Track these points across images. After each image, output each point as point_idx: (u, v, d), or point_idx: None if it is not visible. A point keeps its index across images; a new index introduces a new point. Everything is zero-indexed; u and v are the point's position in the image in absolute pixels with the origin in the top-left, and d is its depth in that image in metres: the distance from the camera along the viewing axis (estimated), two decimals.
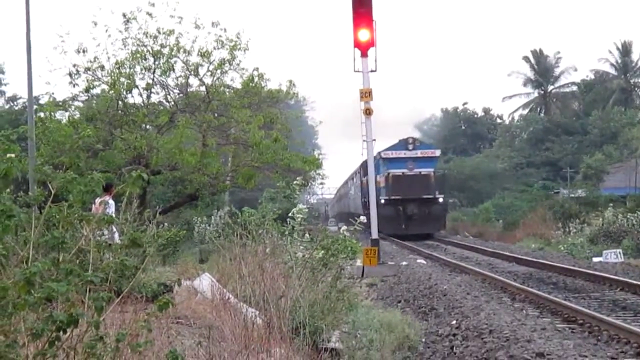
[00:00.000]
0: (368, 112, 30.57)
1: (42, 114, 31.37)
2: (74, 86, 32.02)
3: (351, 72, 30.82)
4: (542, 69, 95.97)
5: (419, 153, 46.84)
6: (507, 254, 35.90)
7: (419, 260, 32.45)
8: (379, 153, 46.43)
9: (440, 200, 46.18)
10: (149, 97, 32.71)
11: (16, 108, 61.61)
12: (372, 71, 30.06)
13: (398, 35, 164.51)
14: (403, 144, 47.33)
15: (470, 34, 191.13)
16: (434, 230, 46.47)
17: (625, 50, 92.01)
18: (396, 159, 46.21)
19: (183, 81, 32.48)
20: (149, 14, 30.65)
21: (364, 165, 45.49)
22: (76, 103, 32.93)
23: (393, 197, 44.74)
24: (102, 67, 31.43)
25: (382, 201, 44.55)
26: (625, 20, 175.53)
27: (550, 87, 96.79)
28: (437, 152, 52.95)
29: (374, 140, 33.17)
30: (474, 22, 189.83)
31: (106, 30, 30.97)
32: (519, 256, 34.21)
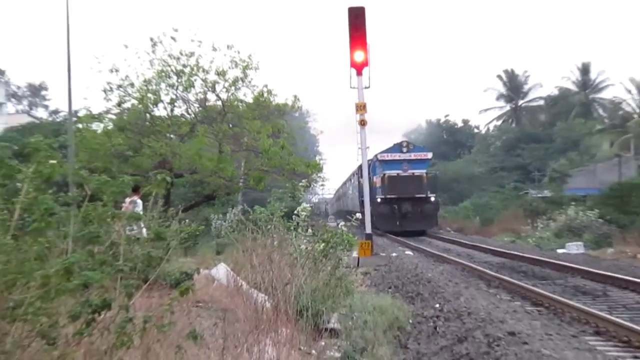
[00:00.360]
0: (362, 123, 30.59)
1: (80, 125, 31.62)
2: (107, 101, 32.18)
3: (348, 88, 30.97)
4: (513, 85, 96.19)
5: (412, 155, 45.57)
6: (484, 246, 35.88)
7: (407, 252, 32.39)
8: (376, 155, 46.34)
9: (432, 199, 45.02)
10: (172, 110, 32.80)
11: (58, 120, 61.62)
12: (366, 87, 30.09)
13: (392, 53, 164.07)
14: (398, 147, 46.29)
15: (453, 55, 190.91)
16: (426, 227, 45.29)
17: (585, 70, 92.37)
18: (391, 161, 45.01)
19: (202, 96, 32.57)
20: (173, 38, 30.85)
21: (360, 169, 43.01)
22: (109, 115, 32.96)
23: (389, 196, 43.68)
24: (132, 85, 31.61)
25: (379, 200, 44.38)
26: (584, 43, 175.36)
27: (520, 102, 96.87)
28: (429, 155, 50.76)
29: (368, 147, 33.28)
30: (456, 45, 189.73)
31: (136, 52, 31.20)
32: (494, 248, 34.19)
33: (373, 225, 40.67)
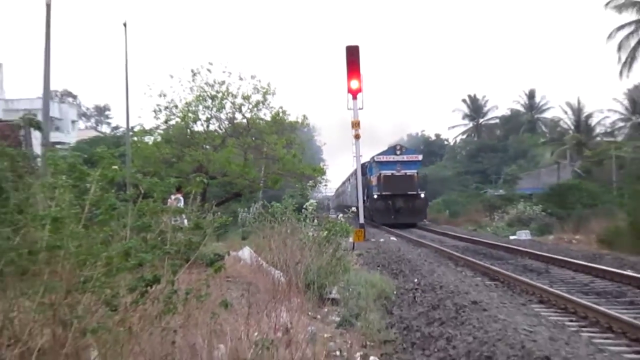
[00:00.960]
0: (357, 137, 30.59)
1: (135, 138, 31.75)
2: (156, 119, 32.39)
3: (346, 109, 31.02)
4: (475, 107, 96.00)
5: (405, 157, 43.63)
6: (452, 233, 35.84)
7: (392, 238, 32.32)
8: (373, 157, 45.41)
9: (422, 195, 43.11)
10: (208, 126, 32.90)
11: (118, 134, 61.64)
12: (360, 109, 30.10)
13: (382, 79, 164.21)
14: (392, 150, 44.53)
15: (429, 83, 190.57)
16: (417, 220, 43.09)
17: (531, 95, 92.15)
18: (387, 162, 43.18)
19: (231, 116, 32.67)
20: (209, 70, 31.12)
21: (351, 175, 44.15)
22: (158, 130, 33.10)
23: (384, 193, 41.90)
24: (176, 106, 31.80)
25: (375, 196, 42.73)
26: (531, 73, 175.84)
27: (480, 120, 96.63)
28: (420, 157, 49.06)
29: (361, 155, 33.43)
30: (432, 76, 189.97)
31: (179, 81, 31.45)
32: (460, 235, 34.18)
33: (370, 219, 42.37)
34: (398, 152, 43.46)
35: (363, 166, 44.89)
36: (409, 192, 41.72)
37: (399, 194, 41.58)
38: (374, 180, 43.82)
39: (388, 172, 42.29)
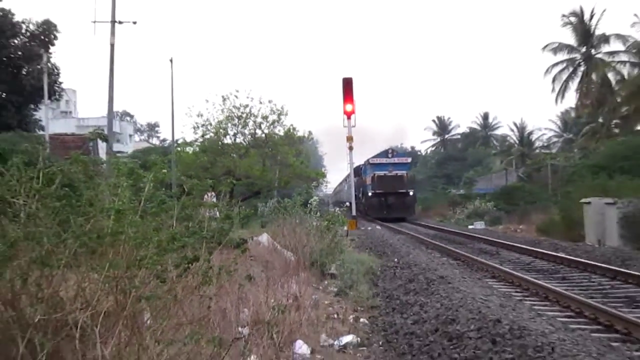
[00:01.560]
0: (350, 148, 30.52)
1: (178, 149, 32.17)
2: (195, 134, 33.01)
3: (342, 127, 31.00)
4: (442, 126, 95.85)
5: (395, 160, 40.84)
6: (424, 224, 35.84)
7: (377, 227, 32.25)
8: (368, 160, 42.80)
9: (411, 193, 40.31)
10: (235, 139, 33.18)
11: (165, 145, 61.65)
12: (352, 126, 29.98)
13: (371, 99, 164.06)
14: (385, 153, 41.46)
15: (406, 107, 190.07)
16: (406, 215, 39.66)
17: (485, 116, 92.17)
18: (380, 164, 40.05)
19: (252, 131, 33.01)
20: (236, 96, 31.72)
21: (353, 173, 41.35)
22: (196, 143, 33.39)
23: (377, 191, 39.06)
24: (210, 124, 32.34)
25: (370, 194, 39.99)
26: (486, 99, 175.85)
27: (446, 136, 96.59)
28: (409, 159, 46.25)
29: (354, 163, 33.40)
30: (409, 102, 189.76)
31: (212, 104, 32.26)
32: (430, 225, 34.22)
33: (365, 213, 40.68)
34: (390, 155, 41.26)
35: (358, 168, 43.81)
36: (400, 190, 39.06)
37: (390, 192, 38.88)
38: (368, 179, 41.51)
39: (381, 173, 39.67)
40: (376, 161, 40.70)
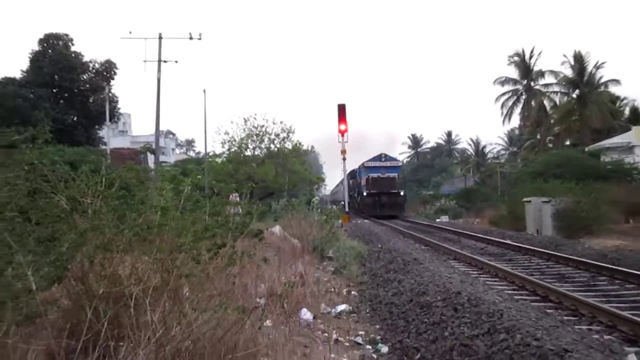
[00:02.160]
0: (344, 158, 30.13)
1: (210, 159, 32.07)
2: (223, 148, 33.16)
3: (337, 142, 30.89)
4: (415, 141, 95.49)
5: (388, 163, 36.62)
6: (402, 218, 35.87)
7: (366, 221, 32.15)
8: (363, 163, 38.81)
9: (402, 193, 36.52)
10: (254, 152, 33.28)
11: (200, 157, 61.61)
12: (345, 142, 29.60)
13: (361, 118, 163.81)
14: (378, 157, 37.04)
15: (390, 124, 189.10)
16: (398, 213, 35.72)
17: (449, 134, 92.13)
18: (374, 167, 36.22)
19: (267, 146, 33.26)
20: (254, 118, 31.94)
21: (347, 177, 38.47)
22: (224, 155, 33.45)
23: (371, 191, 35.35)
24: (234, 140, 32.48)
25: (365, 194, 36.38)
26: (449, 119, 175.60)
27: (419, 149, 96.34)
28: (400, 163, 42.24)
29: (347, 170, 33.25)
30: (390, 122, 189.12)
31: (237, 125, 32.62)
32: (406, 219, 34.07)
33: (360, 211, 37.79)
34: (383, 159, 37.26)
35: (353, 171, 41.77)
36: (392, 191, 35.45)
37: (383, 192, 35.28)
38: (363, 181, 37.91)
39: (375, 175, 36.01)
40: (370, 164, 37.28)
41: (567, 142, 48.32)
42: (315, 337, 6.01)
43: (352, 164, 38.82)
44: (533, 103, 51.12)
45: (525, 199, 22.02)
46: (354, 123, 72.74)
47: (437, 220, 33.41)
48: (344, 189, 34.72)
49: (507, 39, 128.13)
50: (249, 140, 33.15)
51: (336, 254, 12.54)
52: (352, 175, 41.43)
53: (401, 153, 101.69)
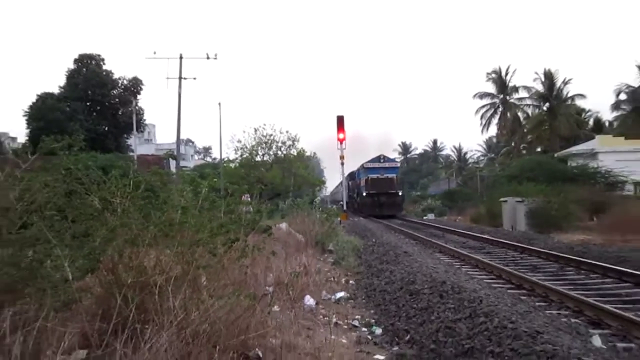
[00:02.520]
0: (342, 163, 29.77)
1: (225, 164, 32.12)
2: (236, 154, 33.02)
3: (336, 149, 30.75)
4: (405, 148, 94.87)
5: (386, 164, 34.00)
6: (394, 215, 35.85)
7: (362, 219, 31.99)
8: (362, 164, 35.80)
9: (400, 194, 33.97)
10: (263, 158, 33.25)
11: (216, 162, 61.70)
12: (344, 149, 29.34)
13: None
14: (377, 159, 34.29)
15: (385, 131, 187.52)
16: (396, 212, 33.38)
17: (434, 142, 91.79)
18: (373, 168, 33.40)
19: (275, 152, 33.21)
20: (263, 127, 31.90)
21: (346, 179, 37.71)
22: (237, 160, 33.43)
23: (371, 192, 32.64)
24: (246, 147, 32.37)
25: (364, 194, 33.52)
26: (435, 128, 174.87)
27: (408, 155, 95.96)
28: (398, 164, 38.77)
29: (346, 172, 33.18)
30: (386, 128, 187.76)
31: (248, 134, 32.46)
32: (398, 217, 34.00)
33: (360, 211, 35.18)
34: (382, 160, 34.24)
35: (352, 172, 39.00)
36: (390, 191, 32.78)
37: (382, 192, 32.61)
38: (362, 182, 34.89)
39: (374, 176, 33.15)
40: (369, 165, 34.26)
41: (539, 149, 48.35)
42: (317, 320, 6.00)
43: (350, 167, 38.00)
44: (508, 115, 51.28)
45: (501, 199, 22.00)
46: (351, 127, 72.78)
47: (425, 217, 33.34)
48: (343, 190, 34.62)
49: (486, 58, 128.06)
50: (259, 148, 33.10)
51: (335, 248, 12.52)
52: (351, 176, 39.55)
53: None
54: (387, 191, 32.56)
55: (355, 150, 52.05)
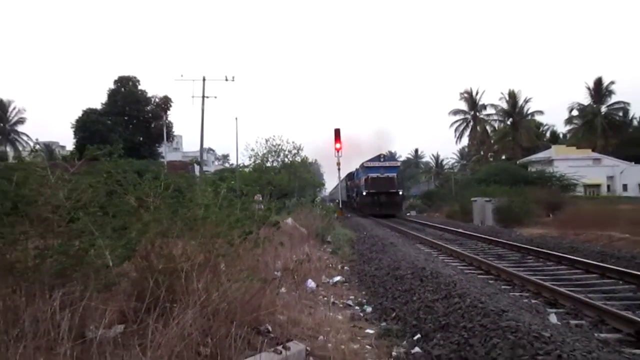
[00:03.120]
0: (339, 169, 29.38)
1: (240, 169, 32.07)
2: (249, 160, 32.95)
3: (333, 156, 30.45)
4: (390, 157, 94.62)
5: (387, 163, 29.36)
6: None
7: (355, 216, 32.01)
8: (362, 163, 30.92)
9: (400, 193, 29.42)
10: (272, 164, 33.17)
11: (232, 167, 61.62)
12: (340, 157, 28.95)
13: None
14: (377, 158, 29.68)
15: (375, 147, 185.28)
16: (396, 212, 28.86)
17: (416, 151, 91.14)
18: (373, 167, 28.91)
19: (283, 159, 33.10)
20: (273, 139, 31.92)
21: (345, 179, 34.92)
22: (250, 166, 33.40)
23: (371, 191, 28.39)
24: (258, 155, 32.29)
25: (364, 193, 28.91)
26: (415, 140, 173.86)
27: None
28: (398, 164, 33.16)
29: (345, 173, 33.11)
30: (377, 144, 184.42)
31: (260, 144, 32.36)
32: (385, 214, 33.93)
33: (360, 210, 30.44)
34: (382, 159, 29.71)
35: (351, 173, 35.17)
36: (390, 190, 28.43)
37: (382, 192, 28.28)
38: (362, 181, 30.24)
39: (374, 175, 28.64)
40: (370, 164, 29.60)
41: (504, 157, 48.55)
42: (317, 300, 5.99)
43: (345, 169, 36.25)
44: (478, 128, 51.51)
45: (472, 199, 22.00)
46: (346, 134, 72.07)
47: (408, 214, 33.29)
48: (339, 191, 34.50)
49: (460, 80, 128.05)
50: (269, 155, 33.08)
51: (333, 239, 12.50)
52: (350, 177, 35.69)
53: None
54: (387, 190, 28.16)
55: (352, 153, 51.16)
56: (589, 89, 47.40)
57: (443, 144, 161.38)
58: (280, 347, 3.32)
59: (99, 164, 4.20)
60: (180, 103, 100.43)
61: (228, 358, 2.93)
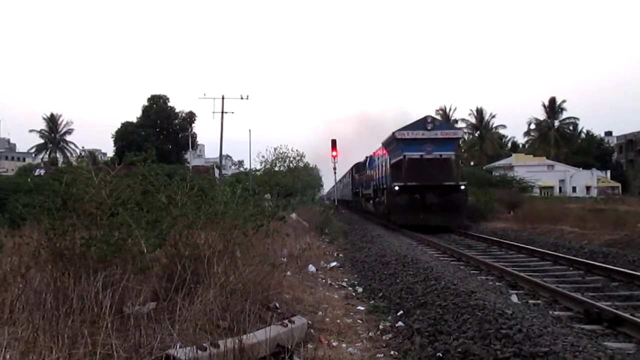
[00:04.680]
0: (335, 173, 28.91)
1: (253, 173, 32.02)
2: (260, 165, 32.83)
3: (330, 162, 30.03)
4: (441, 126, 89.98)
5: (438, 134, 11.24)
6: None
7: (347, 211, 31.74)
8: (393, 133, 11.89)
9: (462, 188, 11.33)
10: (280, 168, 33.09)
11: (246, 171, 61.52)
12: (336, 163, 27.60)
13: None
14: (422, 124, 11.32)
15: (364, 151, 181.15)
16: (454, 222, 11.46)
17: None
18: (414, 140, 11.03)
19: (288, 164, 32.97)
20: (280, 147, 31.81)
21: (349, 172, 26.65)
22: (261, 170, 33.34)
23: (409, 184, 11.15)
24: (267, 161, 32.17)
25: (395, 188, 11.64)
26: None
27: None
28: (459, 133, 13.32)
29: (336, 179, 32.61)
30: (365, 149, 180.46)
31: (269, 152, 32.17)
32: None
33: (385, 219, 15.04)
34: (429, 127, 11.50)
35: (363, 162, 22.44)
36: (445, 183, 11.40)
37: (430, 185, 11.43)
38: (387, 168, 13.20)
39: (416, 155, 11.47)
40: (408, 135, 11.75)
41: (472, 163, 48.55)
42: (317, 282, 5.97)
43: (342, 171, 31.23)
44: None
45: None
46: (347, 131, 69.66)
47: None
48: (335, 191, 34.29)
49: (436, 98, 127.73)
50: (277, 161, 33.09)
51: (330, 231, 12.47)
52: (358, 168, 22.92)
53: None
54: (440, 183, 11.79)
55: (346, 153, 48.92)
56: (544, 106, 47.69)
57: None
58: (286, 321, 3.32)
59: (135, 168, 4.20)
60: (203, 117, 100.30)
61: (243, 330, 2.93)
